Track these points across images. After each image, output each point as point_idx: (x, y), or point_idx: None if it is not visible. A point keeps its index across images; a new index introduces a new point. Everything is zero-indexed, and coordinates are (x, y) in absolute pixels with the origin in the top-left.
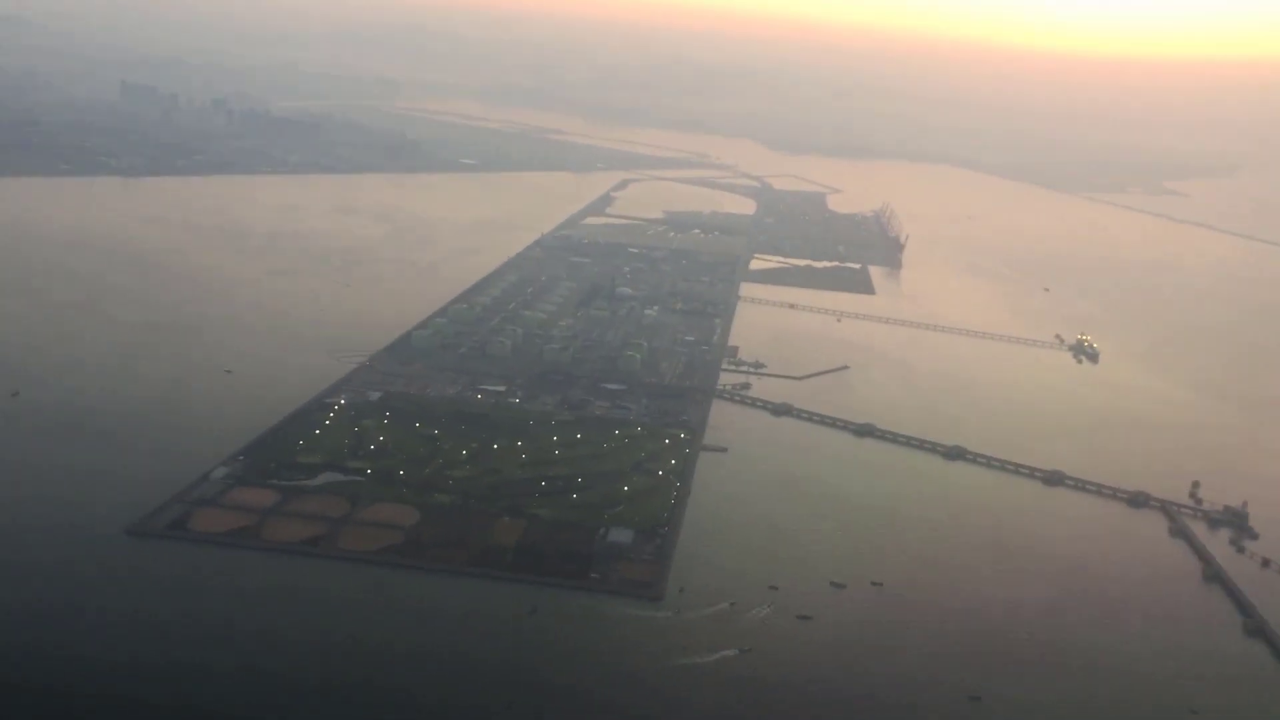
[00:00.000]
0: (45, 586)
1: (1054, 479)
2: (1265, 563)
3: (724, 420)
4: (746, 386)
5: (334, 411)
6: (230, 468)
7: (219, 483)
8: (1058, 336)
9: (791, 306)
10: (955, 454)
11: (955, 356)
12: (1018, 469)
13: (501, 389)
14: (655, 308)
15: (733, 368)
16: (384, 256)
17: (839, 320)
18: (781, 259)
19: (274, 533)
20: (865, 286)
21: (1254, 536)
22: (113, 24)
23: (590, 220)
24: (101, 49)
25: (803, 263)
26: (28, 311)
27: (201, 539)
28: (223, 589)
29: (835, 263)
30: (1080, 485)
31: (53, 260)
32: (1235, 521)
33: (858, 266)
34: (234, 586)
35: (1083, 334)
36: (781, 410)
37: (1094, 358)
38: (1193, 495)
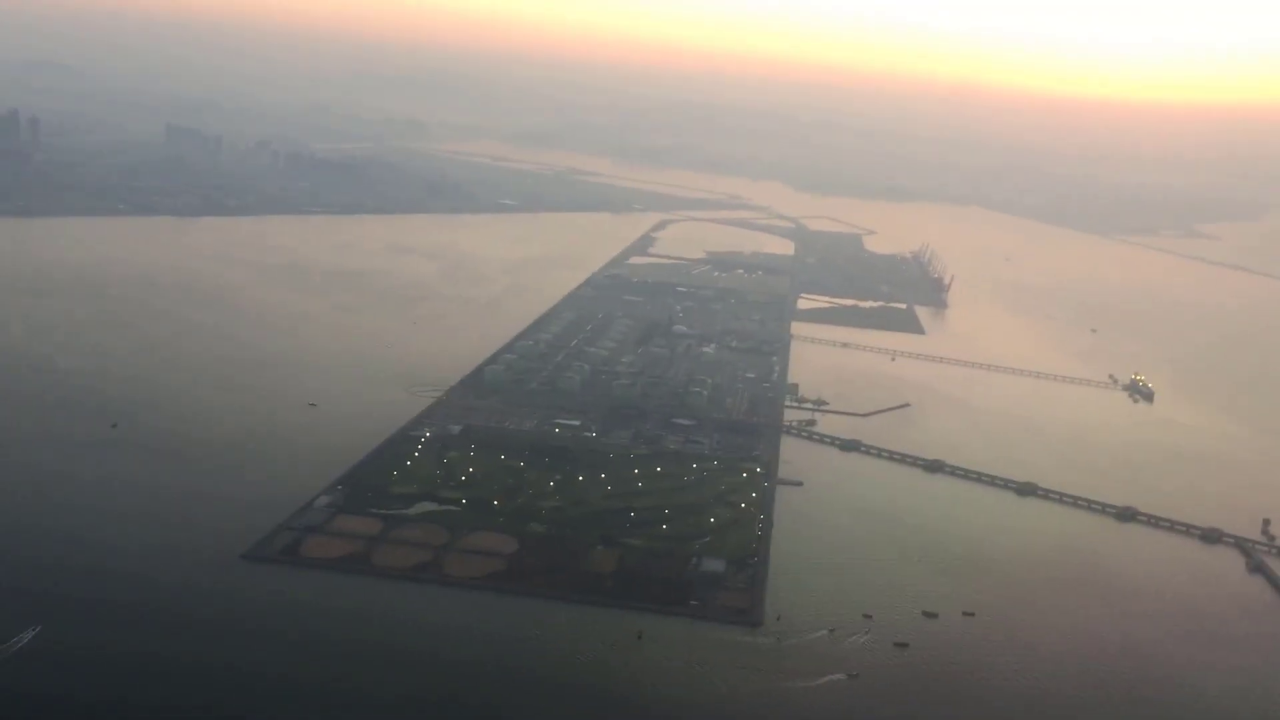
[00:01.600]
0: (171, 610)
1: (1127, 515)
2: None
3: (794, 455)
4: (812, 423)
5: (421, 444)
6: (331, 497)
7: (323, 511)
8: (1111, 376)
9: (844, 345)
10: (1027, 490)
11: (1012, 395)
12: (1090, 505)
13: (577, 423)
14: (712, 345)
15: (795, 404)
16: (443, 294)
17: (893, 359)
18: (828, 298)
19: (383, 559)
20: (914, 326)
21: None
22: (148, 68)
23: (635, 260)
24: (139, 93)
25: (849, 302)
26: (115, 347)
27: (315, 564)
28: (341, 612)
29: (880, 302)
30: (1153, 521)
31: (129, 297)
32: None
33: (903, 306)
34: (351, 610)
35: (1136, 373)
36: (850, 446)
37: (1149, 397)
38: (1265, 531)
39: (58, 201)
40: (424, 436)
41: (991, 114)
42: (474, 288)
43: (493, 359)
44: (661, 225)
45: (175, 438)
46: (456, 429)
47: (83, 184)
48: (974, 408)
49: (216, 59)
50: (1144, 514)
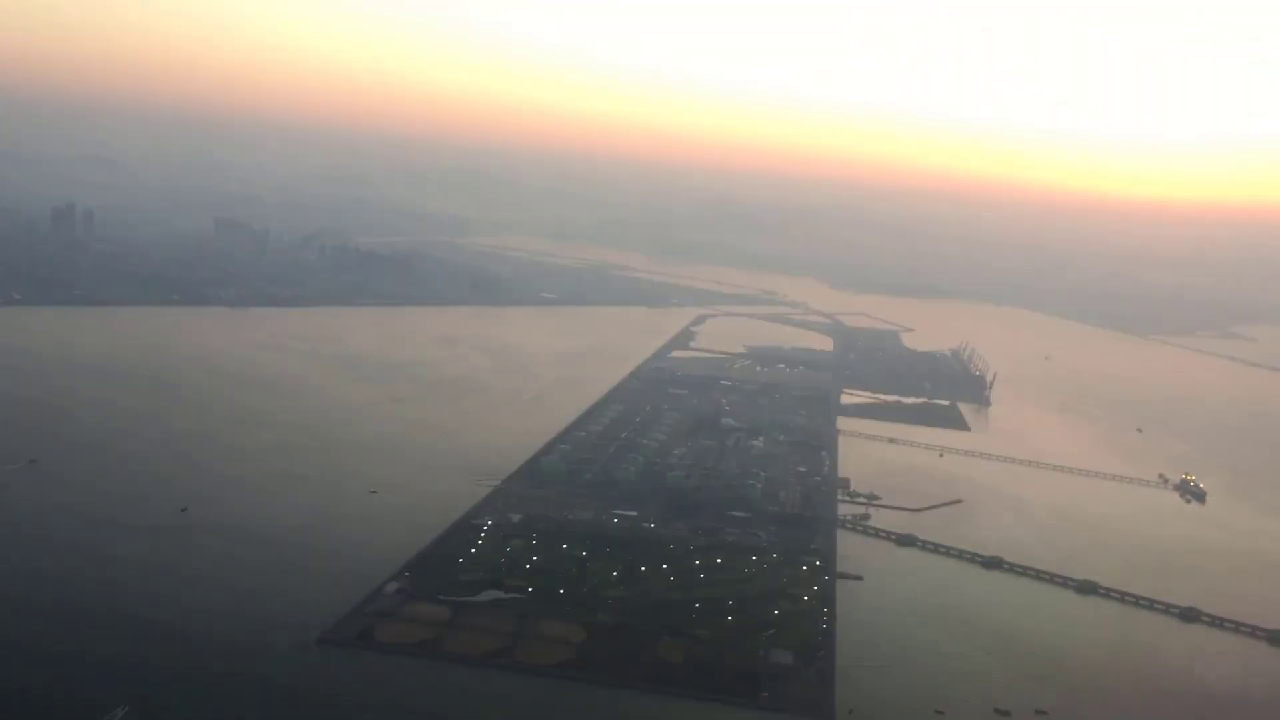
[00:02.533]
0: (254, 693)
1: (1190, 615)
2: None
3: (851, 549)
4: (866, 517)
5: (484, 532)
6: (400, 583)
7: (393, 597)
8: (1161, 476)
9: (892, 441)
10: (1087, 588)
11: (1063, 493)
12: (1152, 604)
13: (634, 514)
14: (761, 439)
15: (848, 499)
16: (492, 385)
17: (941, 455)
18: (871, 394)
19: (456, 645)
20: (959, 423)
21: None
22: (189, 164)
23: (677, 354)
24: (183, 187)
25: (892, 398)
26: (178, 433)
27: (389, 649)
28: (419, 698)
29: (923, 399)
30: (1217, 622)
31: (189, 385)
32: None
33: (947, 403)
34: (429, 695)
35: (1186, 473)
36: (906, 541)
37: (1200, 497)
38: None
39: (115, 291)
40: (486, 525)
41: (1019, 212)
42: (522, 379)
43: (547, 449)
44: (700, 320)
45: (243, 522)
46: (517, 518)
47: (138, 274)
48: (1026, 505)
49: (255, 155)
50: (1207, 614)
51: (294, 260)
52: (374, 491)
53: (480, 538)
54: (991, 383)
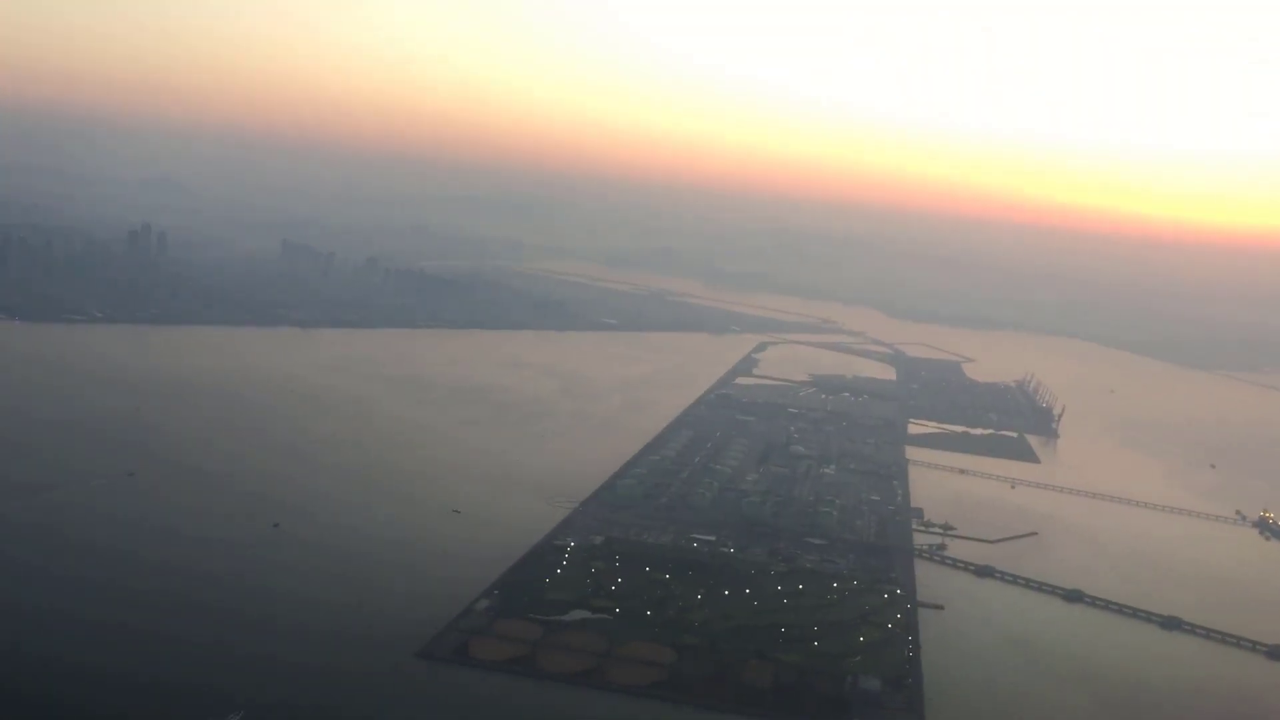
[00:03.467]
0: (361, 706)
1: (1277, 654)
2: None
3: (929, 579)
4: (943, 547)
5: (567, 553)
6: (490, 600)
7: (484, 614)
8: (1238, 512)
9: (962, 472)
10: (1171, 624)
11: (1139, 527)
12: (1239, 641)
13: (713, 538)
14: (832, 466)
15: (923, 529)
16: (562, 409)
17: (1013, 487)
18: (937, 424)
19: (548, 663)
20: (1028, 455)
21: None
22: (251, 186)
23: (741, 380)
24: (246, 208)
25: (958, 429)
26: (259, 451)
27: (485, 665)
28: (518, 713)
29: (990, 430)
30: None
31: (265, 404)
32: None
33: (1014, 435)
34: (526, 712)
35: (1265, 511)
36: (985, 572)
37: (1279, 534)
38: None
39: (189, 310)
40: (569, 546)
41: (1071, 240)
42: (591, 404)
43: (621, 473)
44: (761, 347)
45: (333, 538)
46: (598, 540)
47: (209, 295)
48: (1102, 539)
49: (315, 177)
50: None
51: (358, 282)
52: (457, 511)
53: (564, 559)
54: (1060, 415)
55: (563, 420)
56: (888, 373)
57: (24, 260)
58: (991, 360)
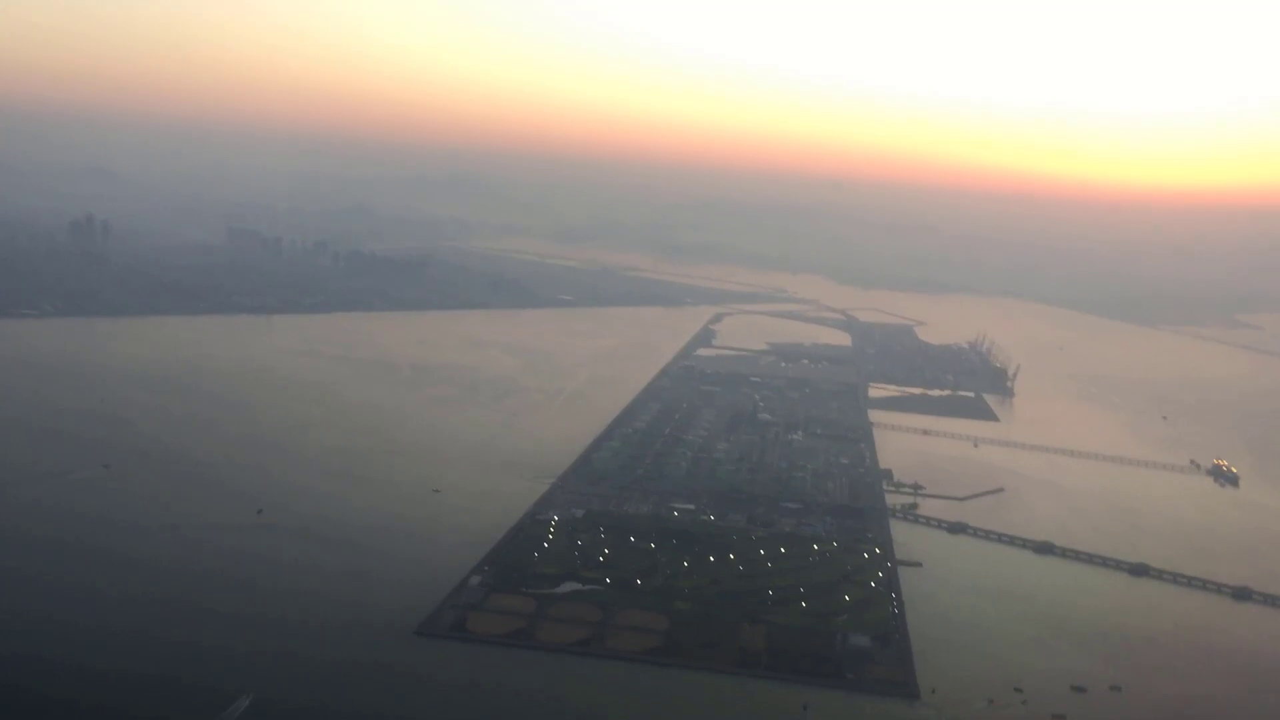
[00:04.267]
0: (365, 683)
1: (1243, 594)
2: None
3: (904, 537)
4: (915, 506)
5: (552, 527)
6: (481, 576)
7: (477, 590)
8: (1193, 461)
9: (925, 433)
10: (1140, 570)
11: (1099, 479)
12: (1205, 585)
13: (692, 507)
14: (799, 432)
15: (893, 489)
16: (528, 386)
17: (976, 445)
18: (897, 387)
19: (547, 635)
20: (986, 413)
21: None
22: (185, 173)
23: (702, 351)
24: (182, 196)
25: (917, 391)
26: (234, 438)
27: (484, 640)
28: (520, 683)
29: (948, 391)
30: (1270, 601)
31: (233, 391)
32: None
33: (971, 395)
34: (529, 682)
35: (1218, 459)
36: (957, 528)
37: (1234, 481)
38: None
39: (142, 301)
40: (553, 520)
41: (1009, 203)
42: (556, 380)
43: (595, 446)
44: (717, 318)
45: (317, 522)
46: (580, 513)
47: (161, 284)
48: (1066, 491)
49: (250, 163)
50: (1259, 593)
51: (308, 267)
52: (437, 490)
53: (549, 533)
54: (1015, 374)
55: (531, 397)
56: (842, 338)
57: None
58: (942, 323)
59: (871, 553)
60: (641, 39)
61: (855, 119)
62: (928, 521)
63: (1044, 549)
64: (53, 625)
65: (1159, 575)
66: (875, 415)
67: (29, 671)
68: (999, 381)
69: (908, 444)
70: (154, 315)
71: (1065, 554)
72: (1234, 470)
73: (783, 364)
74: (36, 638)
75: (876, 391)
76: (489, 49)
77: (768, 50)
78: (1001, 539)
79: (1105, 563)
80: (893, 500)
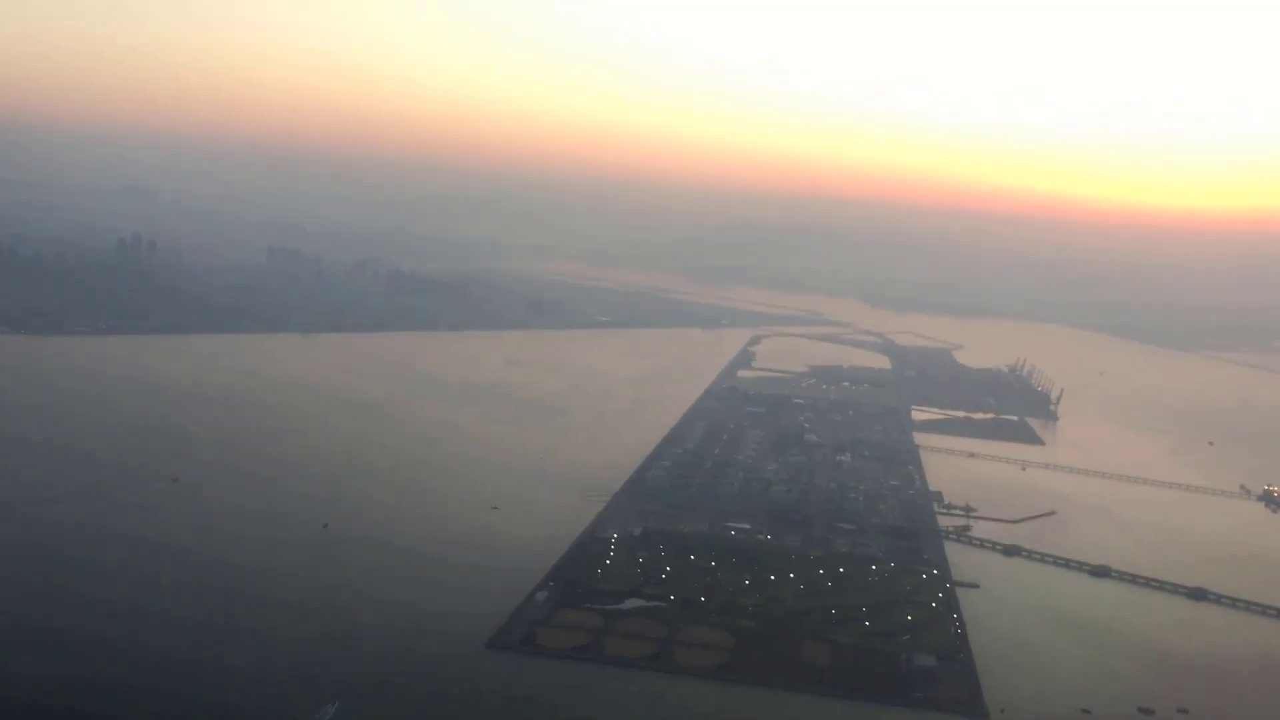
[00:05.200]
0: (446, 693)
1: None
2: None
3: (959, 559)
4: (967, 528)
5: (613, 544)
6: (547, 592)
7: (544, 605)
8: (1242, 486)
9: (972, 455)
10: (1198, 595)
11: (1151, 503)
12: (1264, 609)
13: (748, 526)
14: (847, 454)
15: (944, 511)
16: (575, 405)
17: (1024, 469)
18: (939, 410)
19: (614, 649)
20: (1031, 437)
21: None
22: (224, 192)
23: (743, 373)
24: (220, 216)
25: (960, 414)
26: (295, 454)
27: (554, 654)
28: (591, 698)
29: (990, 415)
30: None
31: (289, 408)
32: None
33: (1015, 419)
34: (599, 696)
35: (1269, 485)
36: (1012, 551)
37: None
38: None
39: (191, 319)
40: (613, 538)
41: (1037, 225)
42: (602, 400)
43: (646, 465)
44: (755, 340)
45: (381, 537)
46: (638, 531)
47: (206, 303)
48: (1117, 516)
49: (291, 182)
50: None
51: (349, 287)
52: (495, 507)
53: (611, 549)
54: (1058, 398)
55: (579, 416)
56: (881, 361)
57: (15, 272)
58: (979, 346)
59: (929, 574)
60: (667, 60)
61: (881, 142)
62: (981, 544)
63: (1100, 572)
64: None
65: (1217, 600)
66: (919, 438)
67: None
68: (1042, 405)
69: (955, 467)
70: (203, 333)
71: (1122, 577)
72: None
73: (824, 386)
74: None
75: (918, 414)
76: (520, 71)
77: (794, 72)
78: (1057, 562)
79: (1162, 586)
80: (944, 522)
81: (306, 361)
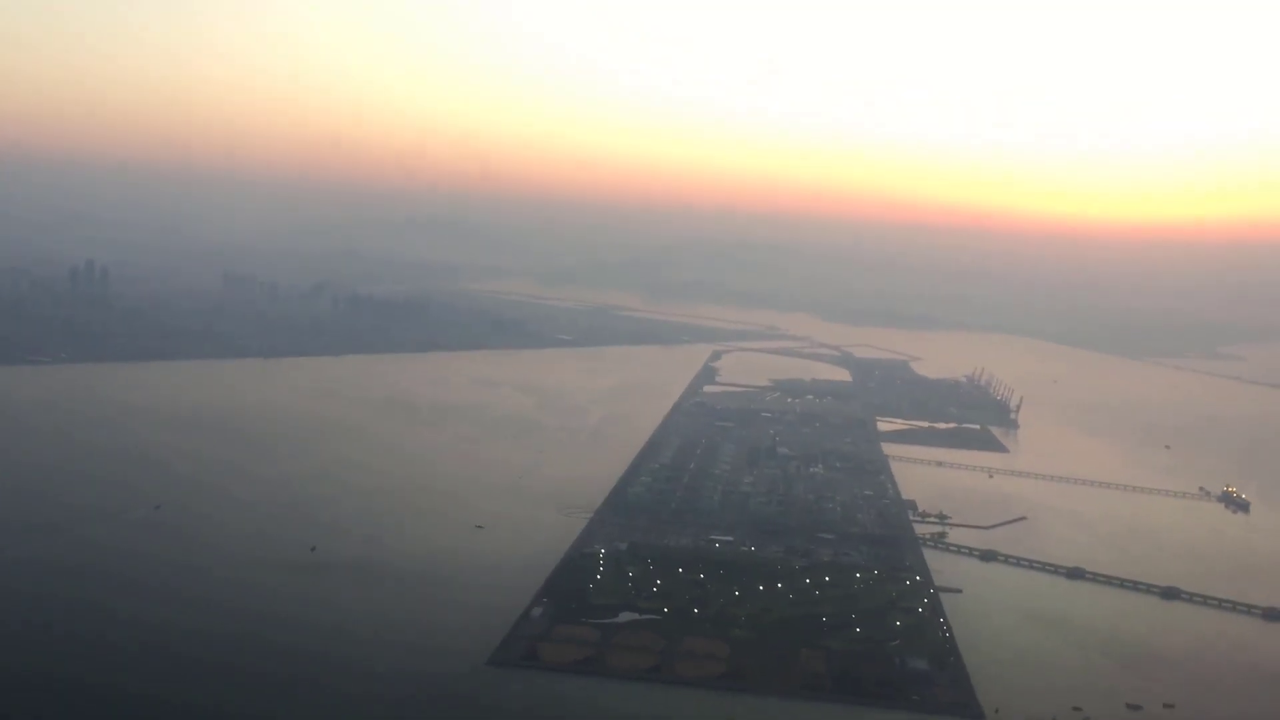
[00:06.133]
0: (449, 714)
1: (1273, 615)
2: None
3: (939, 565)
4: (944, 535)
5: (602, 560)
6: (543, 608)
7: (541, 620)
8: (1202, 488)
9: (940, 464)
10: (1171, 594)
11: (1116, 507)
12: (1235, 606)
13: (730, 539)
14: (820, 466)
15: (919, 519)
16: (546, 424)
17: (990, 476)
18: (903, 421)
19: (616, 662)
20: (995, 445)
21: None
22: (166, 219)
23: (708, 389)
24: (166, 242)
25: (923, 424)
26: (272, 478)
27: (557, 668)
28: (597, 710)
29: (953, 424)
30: None
31: (262, 433)
32: None
33: (977, 427)
34: (605, 708)
35: (1227, 486)
36: (989, 556)
37: (1244, 507)
38: None
39: (149, 346)
40: (600, 553)
41: (993, 239)
42: (573, 418)
43: (626, 481)
44: (716, 356)
45: (370, 558)
46: (623, 546)
47: (165, 330)
48: (1086, 519)
49: (240, 206)
50: None
51: (308, 310)
52: (480, 526)
53: (600, 565)
54: (1018, 407)
55: (551, 434)
56: (842, 374)
57: None
58: (935, 358)
59: (912, 580)
60: (624, 84)
61: (828, 159)
62: (958, 550)
63: (1075, 574)
64: (141, 660)
65: (1190, 598)
66: (887, 448)
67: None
68: (1002, 414)
69: (924, 475)
70: (163, 360)
71: (1096, 579)
72: (1244, 497)
73: (789, 399)
74: (131, 671)
75: (883, 425)
76: (467, 93)
77: (740, 90)
78: (1033, 565)
79: (1136, 586)
80: (920, 530)
81: (272, 386)
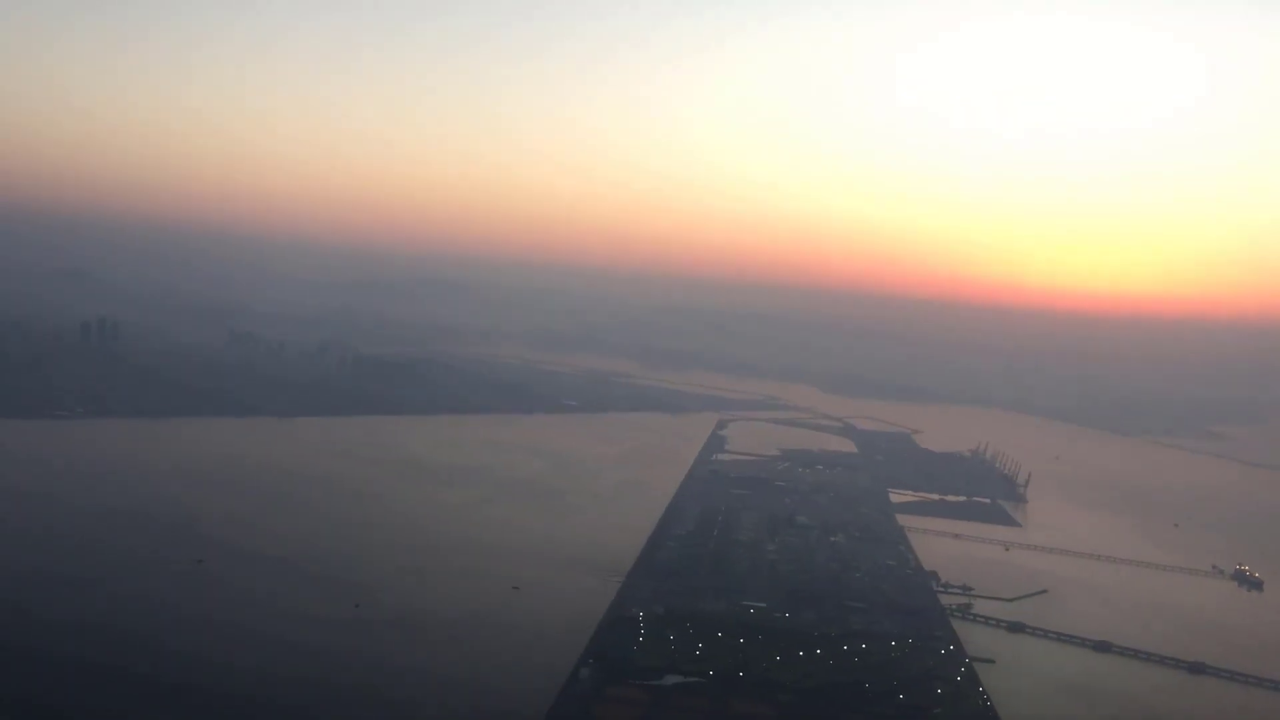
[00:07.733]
0: None
1: None
2: None
3: (967, 636)
4: (969, 606)
5: (642, 623)
6: (589, 669)
7: (589, 681)
8: (1214, 566)
9: (956, 536)
10: (1197, 668)
11: (1133, 582)
12: (1261, 681)
13: (764, 605)
14: (840, 535)
15: (943, 590)
16: (564, 488)
17: (1007, 549)
18: (914, 493)
19: None
20: (1007, 519)
21: None
22: (164, 275)
23: (719, 456)
24: (164, 299)
25: (934, 496)
26: (312, 535)
27: None
28: None
29: (964, 497)
30: None
31: (289, 492)
32: None
33: (988, 501)
34: None
35: (1241, 564)
36: (1016, 628)
37: (1258, 585)
38: None
39: (163, 403)
40: (640, 616)
41: (987, 313)
42: (588, 482)
43: (653, 545)
44: (722, 425)
45: (413, 617)
46: (660, 609)
47: (177, 386)
48: (1106, 594)
49: (232, 264)
50: None
51: (314, 370)
52: (516, 587)
53: (640, 628)
54: (1027, 482)
55: (571, 498)
56: (847, 445)
57: None
58: (937, 431)
59: (946, 649)
60: (618, 151)
61: (823, 230)
62: (986, 621)
63: (1102, 647)
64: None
65: (1216, 673)
66: (901, 519)
67: None
68: (1010, 488)
69: (941, 547)
70: (180, 417)
71: (1124, 652)
72: (1257, 575)
73: (800, 469)
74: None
75: (894, 496)
76: (459, 154)
77: (729, 160)
78: (1060, 637)
79: (1164, 661)
80: (945, 600)
81: (289, 446)
